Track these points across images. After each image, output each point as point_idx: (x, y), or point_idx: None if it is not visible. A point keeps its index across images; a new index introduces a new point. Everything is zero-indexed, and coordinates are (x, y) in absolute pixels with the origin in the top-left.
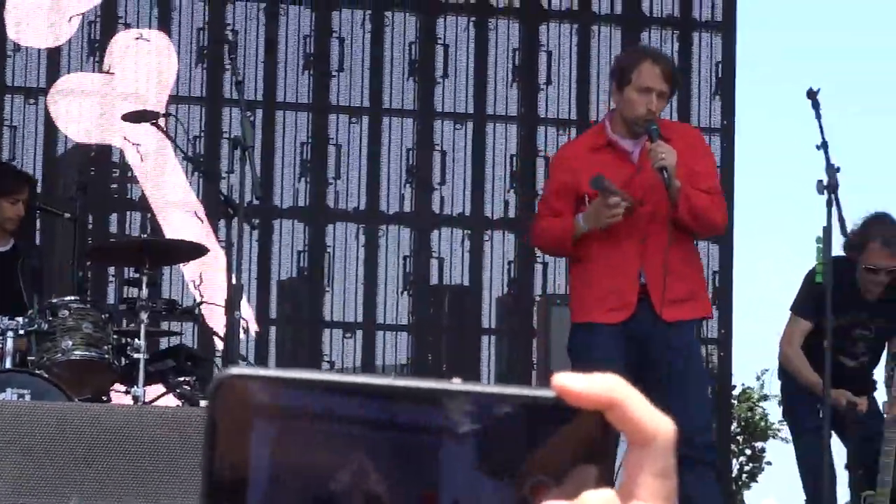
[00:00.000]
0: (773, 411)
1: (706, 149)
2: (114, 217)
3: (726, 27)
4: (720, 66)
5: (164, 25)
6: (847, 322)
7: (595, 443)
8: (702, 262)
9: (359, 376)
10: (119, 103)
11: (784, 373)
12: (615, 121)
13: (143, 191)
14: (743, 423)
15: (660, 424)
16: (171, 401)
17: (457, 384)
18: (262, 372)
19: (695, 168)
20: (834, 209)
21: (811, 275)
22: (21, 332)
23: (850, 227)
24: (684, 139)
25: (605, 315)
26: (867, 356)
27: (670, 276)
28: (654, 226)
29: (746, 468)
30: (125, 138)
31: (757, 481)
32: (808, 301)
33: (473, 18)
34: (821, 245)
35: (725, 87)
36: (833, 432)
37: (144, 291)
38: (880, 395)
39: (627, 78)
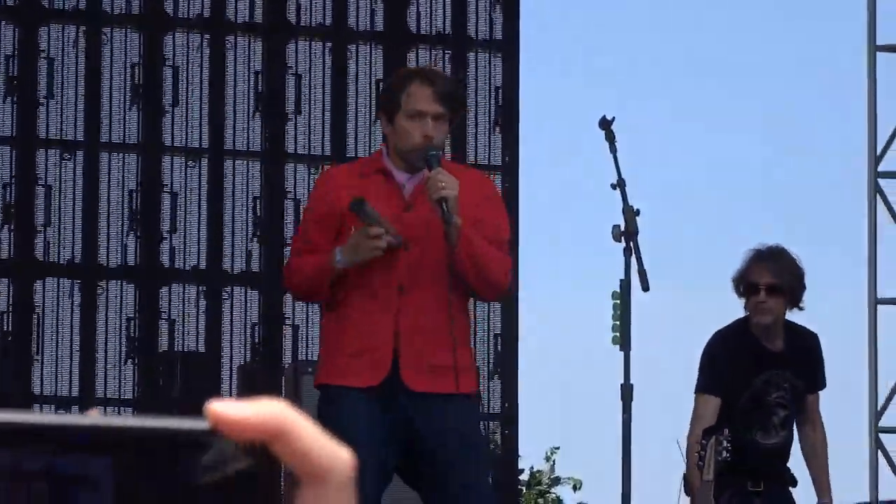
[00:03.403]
0: (567, 496)
1: (498, 200)
2: None
3: (507, 46)
4: (500, 91)
5: None
6: (761, 384)
7: (258, 479)
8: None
9: None
10: None
11: None
12: (391, 151)
13: None
14: None
15: (335, 457)
16: None
17: (93, 417)
18: None
19: (482, 218)
20: (633, 259)
21: (710, 346)
22: None
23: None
24: (475, 187)
25: (355, 377)
26: (785, 430)
27: (434, 337)
28: (420, 275)
29: None
30: None
31: None
32: (711, 374)
33: (207, 36)
34: (618, 301)
35: (507, 117)
36: None
37: None
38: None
39: (396, 104)
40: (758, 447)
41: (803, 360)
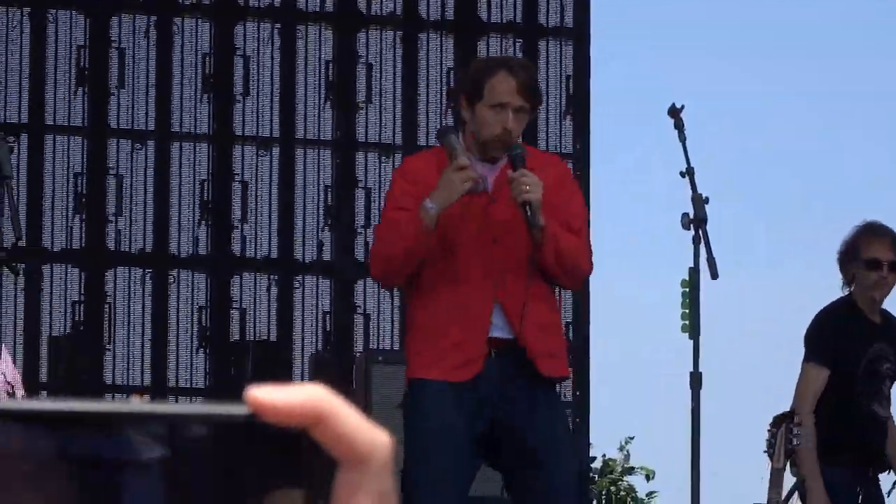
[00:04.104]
0: (640, 486)
1: (575, 185)
2: None
3: (578, 34)
4: (571, 80)
5: None
6: (874, 355)
7: (300, 464)
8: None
9: (14, 402)
10: None
11: None
12: (467, 140)
13: None
14: (604, 501)
15: (375, 441)
16: None
17: (136, 405)
18: None
19: (561, 205)
20: (702, 247)
21: (820, 319)
22: None
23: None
24: (551, 172)
25: (448, 372)
26: (891, 404)
27: (530, 327)
28: (509, 269)
29: None
30: None
31: None
32: (821, 345)
33: (278, 25)
34: (687, 289)
35: (578, 105)
36: None
37: None
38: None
39: (478, 92)
40: (876, 419)
41: (894, 338)
